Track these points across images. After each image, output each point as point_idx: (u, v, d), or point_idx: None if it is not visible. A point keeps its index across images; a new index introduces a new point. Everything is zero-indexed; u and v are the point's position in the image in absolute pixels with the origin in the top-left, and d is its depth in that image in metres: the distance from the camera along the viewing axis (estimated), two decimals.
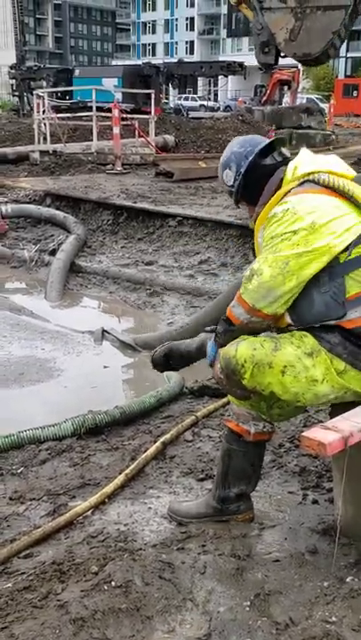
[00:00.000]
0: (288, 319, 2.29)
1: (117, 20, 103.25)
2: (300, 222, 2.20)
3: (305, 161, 2.38)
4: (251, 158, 2.42)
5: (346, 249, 2.20)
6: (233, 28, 78.14)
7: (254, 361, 2.26)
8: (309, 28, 11.20)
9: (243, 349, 2.28)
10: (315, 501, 2.86)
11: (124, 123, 14.64)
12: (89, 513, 2.83)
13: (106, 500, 2.92)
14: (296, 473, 3.08)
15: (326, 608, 2.02)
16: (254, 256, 2.48)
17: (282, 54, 11.95)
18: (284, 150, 2.51)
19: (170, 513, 2.75)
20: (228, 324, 2.38)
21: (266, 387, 2.27)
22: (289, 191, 2.29)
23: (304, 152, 2.44)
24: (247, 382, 2.30)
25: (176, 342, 3.58)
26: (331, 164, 2.38)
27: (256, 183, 2.41)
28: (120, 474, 3.08)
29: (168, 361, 3.31)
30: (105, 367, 4.90)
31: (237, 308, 2.32)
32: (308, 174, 2.31)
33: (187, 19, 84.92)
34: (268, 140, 2.47)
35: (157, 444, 3.33)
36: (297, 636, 1.87)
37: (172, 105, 40.25)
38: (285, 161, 2.43)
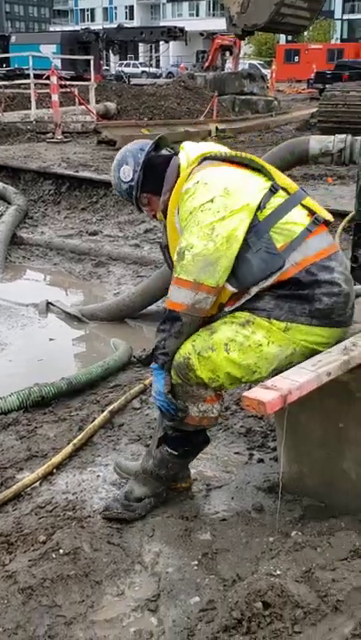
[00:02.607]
0: (230, 287, 2.28)
1: None
2: (213, 191, 2.26)
3: (193, 148, 2.49)
4: (147, 149, 2.50)
5: (259, 207, 2.27)
6: None
7: (196, 350, 2.30)
8: (256, 1, 11.94)
9: (183, 347, 2.32)
10: (260, 460, 2.92)
11: (64, 90, 14.31)
12: (37, 484, 2.83)
13: (54, 470, 2.93)
14: (242, 434, 3.14)
15: (271, 562, 2.07)
16: (167, 255, 2.52)
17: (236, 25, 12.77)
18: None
19: (115, 467, 2.85)
20: (171, 319, 2.28)
21: (219, 370, 2.28)
22: (190, 172, 2.36)
23: (187, 143, 2.54)
24: (201, 373, 2.30)
25: None
26: (216, 147, 2.51)
27: (156, 172, 2.47)
28: (68, 444, 3.08)
29: None
30: (51, 340, 4.85)
31: (179, 291, 2.25)
32: (203, 155, 2.41)
33: None
34: (154, 139, 2.56)
35: (105, 413, 3.33)
36: (243, 590, 1.92)
37: (113, 72, 39.51)
38: (175, 152, 2.52)
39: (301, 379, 2.02)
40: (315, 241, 2.29)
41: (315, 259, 2.26)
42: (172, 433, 2.49)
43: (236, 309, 2.30)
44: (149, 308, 5.14)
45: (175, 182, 2.41)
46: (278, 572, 1.99)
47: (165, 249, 2.54)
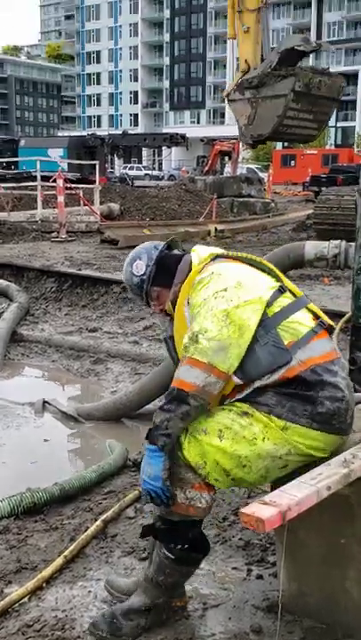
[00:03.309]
0: (235, 378, 2.26)
1: (63, 93, 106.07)
2: (227, 282, 2.31)
3: (204, 248, 2.60)
4: (161, 247, 2.61)
5: (268, 303, 2.31)
6: (175, 101, 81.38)
7: (189, 430, 2.26)
8: (261, 114, 13.06)
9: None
10: (259, 576, 2.79)
11: (69, 192, 14.84)
12: (25, 599, 2.69)
13: (44, 584, 2.79)
14: (240, 547, 3.01)
15: None
16: (170, 346, 2.54)
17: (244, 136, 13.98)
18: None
19: (105, 584, 2.71)
20: (178, 398, 2.20)
21: (207, 456, 2.23)
22: (203, 268, 2.43)
23: (198, 246, 2.66)
24: (188, 455, 2.25)
25: None
26: (222, 250, 2.61)
27: (167, 267, 2.55)
28: (59, 556, 2.96)
29: None
30: (45, 440, 4.76)
31: (191, 371, 2.20)
32: (214, 254, 2.51)
33: (130, 92, 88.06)
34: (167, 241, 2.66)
35: (98, 522, 3.21)
36: None
37: (117, 174, 41.10)
38: (187, 252, 2.61)
39: (301, 493, 1.96)
40: (319, 343, 2.31)
41: (320, 360, 2.27)
42: (160, 525, 2.39)
43: (238, 400, 2.27)
44: (147, 407, 5.08)
45: (187, 275, 2.48)
46: None
47: (170, 339, 2.56)
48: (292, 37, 14.24)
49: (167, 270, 2.55)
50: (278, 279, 2.44)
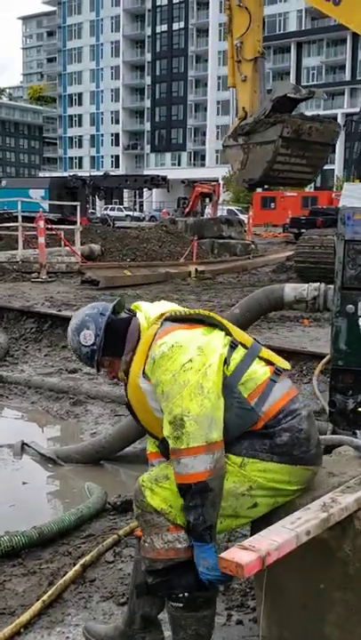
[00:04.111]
0: None
1: (45, 135, 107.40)
2: (189, 352, 2.31)
3: (150, 308, 2.56)
4: (107, 314, 2.53)
5: (225, 362, 2.34)
6: (156, 143, 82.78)
7: (152, 477, 2.31)
8: (252, 159, 13.55)
9: (144, 476, 2.33)
10: (239, 622, 2.78)
11: (50, 232, 14.93)
12: None
13: (21, 629, 2.75)
14: (220, 592, 2.99)
15: None
16: (128, 407, 2.56)
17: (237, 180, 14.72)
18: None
19: (84, 630, 2.69)
20: (199, 491, 2.17)
21: (172, 501, 2.25)
22: (155, 334, 2.40)
23: (141, 303, 2.63)
24: (151, 500, 2.27)
25: None
26: (169, 305, 2.60)
27: (117, 335, 2.50)
28: (37, 600, 2.92)
29: None
30: (24, 483, 4.71)
31: (196, 460, 2.18)
32: (161, 315, 2.48)
33: (112, 134, 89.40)
34: (112, 303, 2.59)
35: (77, 567, 3.18)
36: None
37: (98, 215, 41.47)
38: (133, 314, 2.58)
39: (280, 538, 1.98)
40: (278, 389, 2.36)
41: (281, 402, 2.33)
42: (152, 580, 2.33)
43: None
44: (126, 449, 5.07)
45: (137, 342, 2.46)
46: None
47: (128, 406, 2.57)
48: (282, 85, 14.79)
49: (117, 338, 2.49)
50: (228, 333, 2.45)
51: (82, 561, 3.24)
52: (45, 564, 3.37)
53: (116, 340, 2.49)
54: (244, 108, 13.76)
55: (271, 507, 2.33)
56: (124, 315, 2.59)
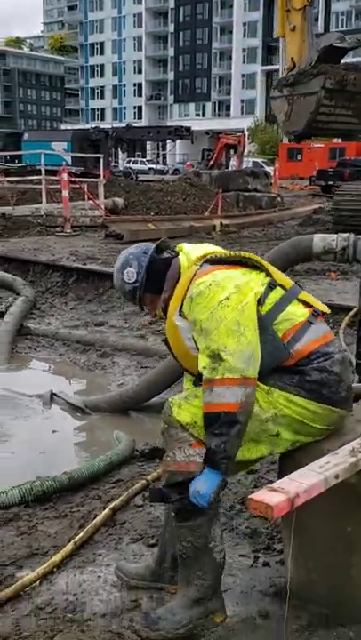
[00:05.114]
0: None
1: (66, 86, 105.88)
2: (226, 290, 2.35)
3: (192, 249, 2.62)
4: (150, 253, 2.62)
5: (260, 301, 2.38)
6: (180, 93, 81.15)
7: (181, 396, 2.40)
8: (296, 111, 13.48)
9: (174, 398, 2.40)
10: (266, 564, 2.85)
11: (74, 186, 14.86)
12: (37, 583, 2.76)
13: (54, 569, 2.86)
14: (247, 535, 3.08)
15: None
16: (166, 343, 2.62)
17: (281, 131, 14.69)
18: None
19: (115, 570, 2.77)
20: (227, 422, 2.21)
21: (197, 417, 2.31)
22: (194, 275, 2.45)
23: (185, 245, 2.67)
24: (178, 415, 2.33)
25: None
26: (212, 247, 2.65)
27: (158, 274, 2.58)
28: (69, 542, 3.02)
29: None
30: (54, 432, 4.82)
31: (228, 390, 2.22)
32: (202, 257, 2.53)
33: (134, 84, 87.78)
34: (156, 243, 2.67)
35: (107, 510, 3.28)
36: None
37: (121, 168, 41.08)
38: (176, 254, 2.64)
39: (309, 481, 2.02)
40: (314, 330, 2.40)
41: (315, 345, 2.37)
42: (170, 493, 2.38)
43: None
44: (153, 400, 5.14)
45: (176, 282, 2.52)
46: None
47: (166, 342, 2.63)
48: (329, 35, 14.51)
49: (158, 277, 2.58)
50: (268, 274, 2.49)
51: (112, 504, 3.33)
52: (76, 507, 3.47)
53: (158, 279, 2.57)
54: (292, 58, 13.62)
55: (293, 444, 2.38)
56: (166, 255, 2.65)
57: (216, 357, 2.26)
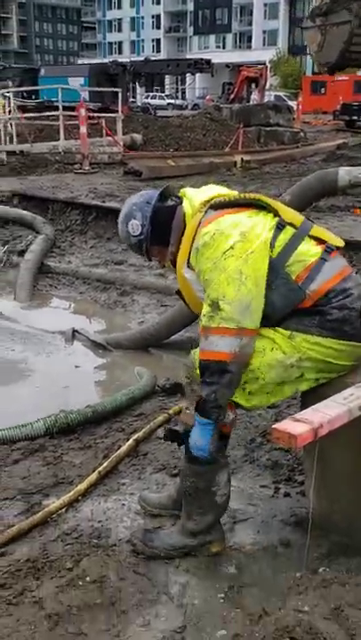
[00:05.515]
0: None
1: (83, 19, 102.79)
2: (231, 238, 2.30)
3: (195, 195, 2.54)
4: (153, 202, 2.54)
5: (271, 245, 2.32)
6: (200, 25, 78.41)
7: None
8: (329, 41, 13.17)
9: (197, 351, 2.36)
10: (287, 494, 2.90)
11: (92, 122, 14.58)
12: (63, 511, 2.84)
13: (80, 497, 2.93)
14: (268, 467, 3.12)
15: (299, 598, 2.05)
16: (179, 295, 2.60)
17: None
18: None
19: (139, 499, 2.85)
20: (218, 371, 2.22)
21: None
22: (198, 224, 2.40)
23: (188, 190, 2.60)
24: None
25: None
26: (216, 190, 2.57)
27: (163, 225, 2.52)
28: (93, 472, 3.09)
29: None
30: (76, 367, 4.88)
31: (222, 339, 2.22)
32: (205, 202, 2.46)
33: (153, 16, 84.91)
34: (159, 190, 2.60)
35: (130, 441, 3.34)
36: (270, 625, 1.90)
37: (139, 103, 40.20)
38: (180, 200, 2.57)
39: (332, 412, 2.03)
40: (329, 267, 2.34)
41: (332, 282, 2.32)
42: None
43: None
44: (173, 337, 5.17)
45: (182, 233, 2.47)
46: (306, 609, 1.97)
47: (179, 293, 2.62)
48: None
49: (163, 228, 2.52)
50: (276, 214, 2.41)
51: (135, 436, 3.40)
52: (100, 439, 3.54)
53: (163, 230, 2.52)
54: None
55: (316, 381, 2.38)
56: (170, 202, 2.58)
57: (215, 306, 2.24)
